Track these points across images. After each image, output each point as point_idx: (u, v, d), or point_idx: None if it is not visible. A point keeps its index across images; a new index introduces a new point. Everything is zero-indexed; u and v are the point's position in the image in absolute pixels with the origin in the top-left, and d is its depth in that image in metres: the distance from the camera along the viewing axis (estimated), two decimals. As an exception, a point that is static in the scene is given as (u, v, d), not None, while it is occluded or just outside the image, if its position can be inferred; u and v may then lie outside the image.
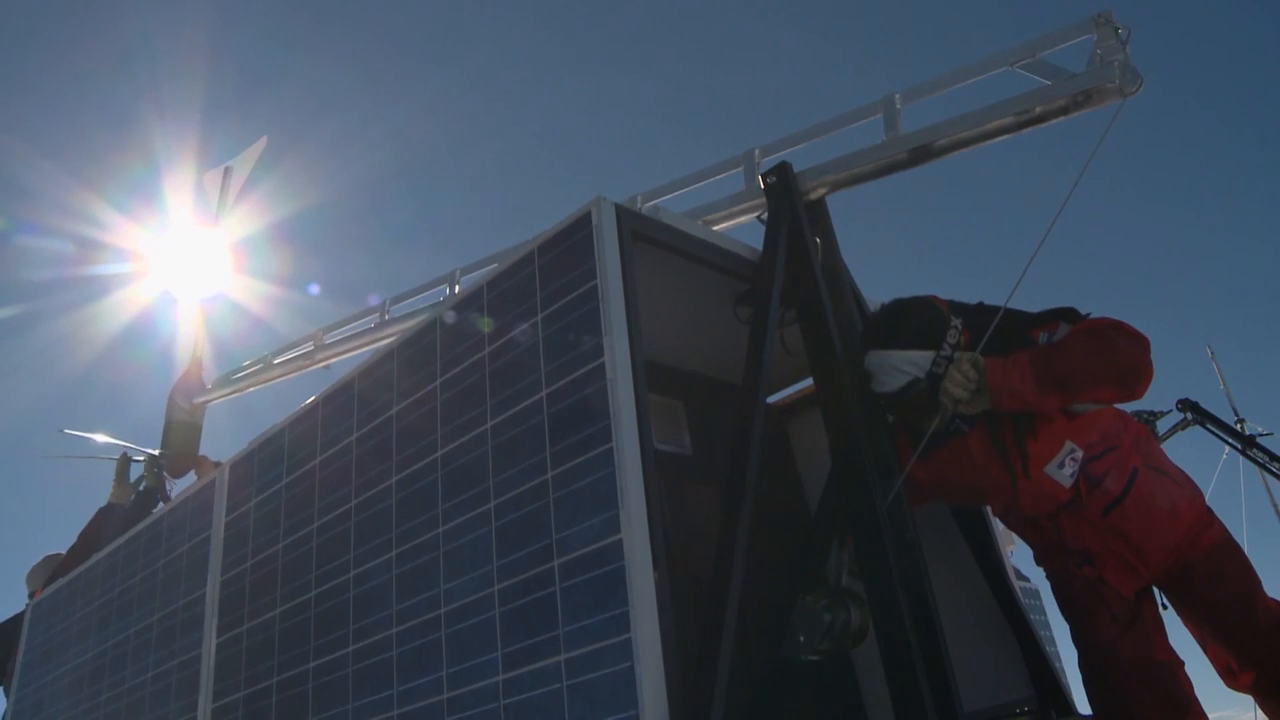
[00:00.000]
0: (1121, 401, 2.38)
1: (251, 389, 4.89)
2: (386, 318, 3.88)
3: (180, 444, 5.17)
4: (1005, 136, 2.47)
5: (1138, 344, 2.26)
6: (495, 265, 2.58)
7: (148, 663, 3.41)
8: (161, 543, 3.61)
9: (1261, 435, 11.30)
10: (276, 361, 4.56)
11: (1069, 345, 2.27)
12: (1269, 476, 11.47)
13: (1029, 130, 2.44)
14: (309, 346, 4.34)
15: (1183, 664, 2.36)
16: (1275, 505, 13.92)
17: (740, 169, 2.94)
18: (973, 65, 2.57)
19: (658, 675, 1.78)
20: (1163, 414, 10.65)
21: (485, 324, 2.42)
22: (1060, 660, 3.32)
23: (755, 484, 2.18)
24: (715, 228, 2.92)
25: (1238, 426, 11.65)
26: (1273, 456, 10.83)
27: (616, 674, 1.81)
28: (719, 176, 3.04)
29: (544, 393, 2.17)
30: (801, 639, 2.20)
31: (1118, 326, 2.29)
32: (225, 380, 5.07)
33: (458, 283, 3.61)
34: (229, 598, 3.08)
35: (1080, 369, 2.23)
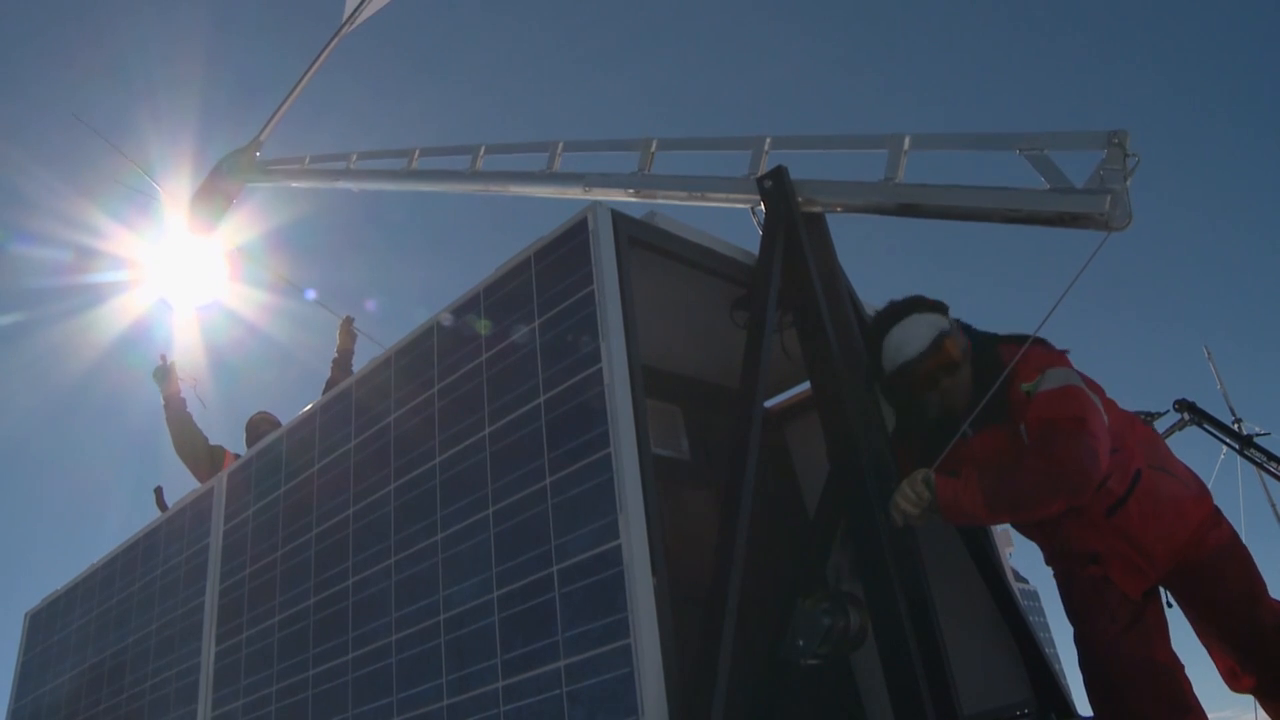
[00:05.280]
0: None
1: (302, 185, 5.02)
2: (479, 169, 3.77)
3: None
4: (991, 222, 2.45)
5: (1088, 451, 2.20)
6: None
7: (146, 671, 3.41)
8: (160, 551, 3.61)
9: (1259, 435, 11.34)
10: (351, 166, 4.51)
11: (1021, 470, 2.22)
12: (1266, 476, 11.52)
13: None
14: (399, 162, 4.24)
15: (1183, 667, 2.36)
16: (1273, 504, 13.98)
17: (749, 151, 2.91)
18: (985, 134, 2.56)
19: (658, 680, 1.78)
20: (1160, 414, 10.68)
21: (483, 328, 2.42)
22: (1060, 662, 3.32)
23: (753, 488, 2.18)
24: (710, 205, 2.93)
25: (1235, 426, 11.69)
26: (1270, 456, 10.86)
27: (616, 679, 1.81)
28: (727, 151, 3.03)
29: (542, 398, 2.17)
30: (800, 643, 2.20)
31: (1075, 430, 2.21)
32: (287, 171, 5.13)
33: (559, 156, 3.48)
34: (227, 606, 3.08)
35: (1030, 492, 2.21)
